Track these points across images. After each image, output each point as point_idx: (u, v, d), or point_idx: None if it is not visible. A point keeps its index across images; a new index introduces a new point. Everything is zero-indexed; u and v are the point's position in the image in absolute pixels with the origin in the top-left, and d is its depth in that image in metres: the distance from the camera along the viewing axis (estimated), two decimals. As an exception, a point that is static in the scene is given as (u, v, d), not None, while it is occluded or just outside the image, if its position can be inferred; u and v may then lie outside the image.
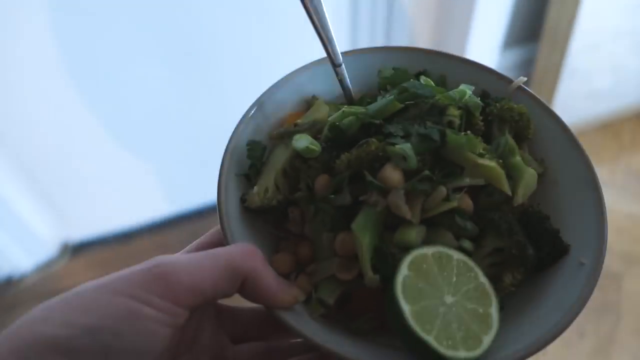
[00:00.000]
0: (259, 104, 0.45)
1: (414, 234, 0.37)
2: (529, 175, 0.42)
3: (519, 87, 0.47)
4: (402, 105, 0.41)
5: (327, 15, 0.42)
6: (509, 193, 0.40)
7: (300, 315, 0.38)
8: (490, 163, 0.38)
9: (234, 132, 0.43)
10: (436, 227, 0.39)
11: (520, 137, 0.46)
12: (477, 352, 0.35)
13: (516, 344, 0.36)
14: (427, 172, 0.37)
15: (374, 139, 0.38)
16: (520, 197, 0.41)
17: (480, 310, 0.36)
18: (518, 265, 0.40)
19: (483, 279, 0.38)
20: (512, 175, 0.42)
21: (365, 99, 0.45)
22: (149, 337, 0.31)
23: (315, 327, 0.37)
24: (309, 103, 0.48)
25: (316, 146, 0.40)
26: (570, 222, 0.42)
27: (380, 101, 0.42)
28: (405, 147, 0.37)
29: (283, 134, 0.43)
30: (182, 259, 0.33)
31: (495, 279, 0.40)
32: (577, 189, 0.43)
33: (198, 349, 0.38)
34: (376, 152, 0.38)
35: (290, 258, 0.41)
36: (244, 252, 0.34)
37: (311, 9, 0.41)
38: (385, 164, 0.38)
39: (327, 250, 0.40)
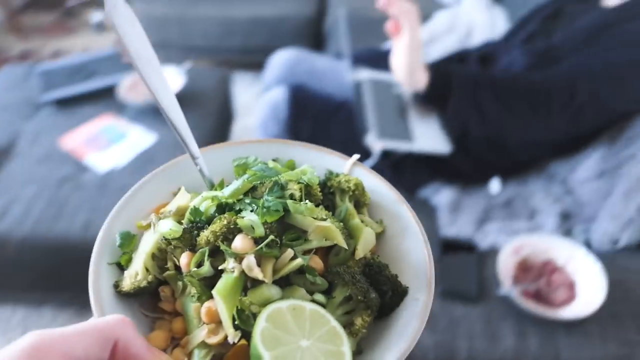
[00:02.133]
0: (129, 197, 0.50)
1: (266, 291, 0.43)
2: (367, 233, 0.50)
3: (355, 163, 0.56)
4: (252, 185, 0.48)
5: (180, 112, 0.49)
6: (346, 247, 0.47)
7: None
8: (325, 224, 0.46)
9: (105, 225, 0.48)
10: (291, 285, 0.45)
11: (360, 204, 0.54)
12: None
13: None
14: (272, 237, 0.44)
15: (226, 215, 0.45)
16: (361, 252, 0.48)
17: (334, 349, 0.42)
18: (365, 308, 0.46)
19: (334, 323, 0.43)
20: (353, 234, 0.50)
21: (223, 185, 0.52)
22: None
23: None
24: (175, 194, 0.54)
25: (178, 228, 0.46)
26: (406, 267, 0.50)
27: (233, 184, 0.49)
28: (252, 218, 0.44)
29: (150, 223, 0.48)
30: (56, 330, 0.36)
31: (349, 325, 0.46)
32: (408, 239, 0.51)
33: None
34: (229, 225, 0.44)
35: (165, 334, 0.45)
36: (115, 319, 0.38)
37: (165, 108, 0.48)
38: (237, 234, 0.44)
39: (198, 320, 0.44)
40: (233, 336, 0.41)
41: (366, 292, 0.46)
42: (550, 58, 1.44)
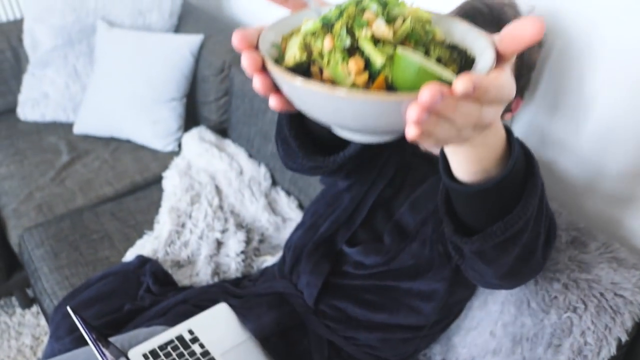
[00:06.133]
0: (268, 29, 0.70)
1: (390, 47, 0.63)
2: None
3: None
4: (358, -1, 0.70)
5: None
6: (431, 22, 0.68)
7: None
8: (415, 7, 0.67)
9: (260, 40, 0.67)
10: (405, 44, 0.66)
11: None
12: (452, 78, 0.59)
13: None
14: (387, 10, 0.65)
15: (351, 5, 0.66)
16: (438, 36, 0.70)
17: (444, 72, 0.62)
18: (452, 62, 0.67)
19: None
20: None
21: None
22: None
23: None
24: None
25: (318, 23, 0.66)
26: (469, 46, 0.71)
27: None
28: (371, 5, 0.65)
29: (293, 31, 0.69)
30: None
31: (443, 75, 0.66)
32: (469, 31, 0.73)
33: None
34: (356, 10, 0.65)
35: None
36: None
37: None
38: (365, 11, 0.64)
39: (345, 75, 0.63)
40: (382, 59, 0.61)
41: (451, 53, 0.67)
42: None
